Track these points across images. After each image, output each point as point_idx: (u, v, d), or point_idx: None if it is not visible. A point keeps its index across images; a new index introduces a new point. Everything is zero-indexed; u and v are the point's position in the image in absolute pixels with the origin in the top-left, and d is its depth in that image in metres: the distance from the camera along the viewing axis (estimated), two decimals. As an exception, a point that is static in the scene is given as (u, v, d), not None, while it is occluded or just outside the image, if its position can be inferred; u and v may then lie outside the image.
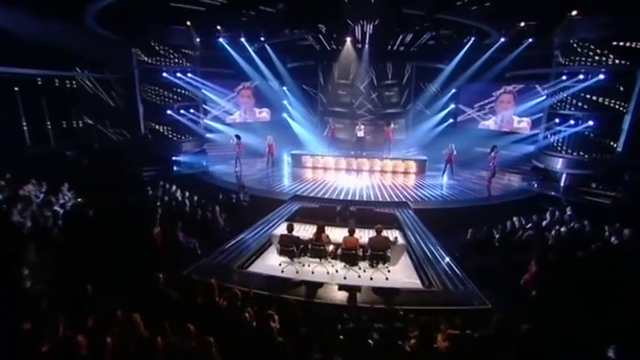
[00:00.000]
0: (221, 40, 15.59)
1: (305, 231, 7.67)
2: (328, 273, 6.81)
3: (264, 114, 18.96)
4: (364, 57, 16.24)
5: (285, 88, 18.25)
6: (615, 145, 12.30)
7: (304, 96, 18.80)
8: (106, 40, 12.84)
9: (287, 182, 13.05)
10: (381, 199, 11.01)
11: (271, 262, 7.25)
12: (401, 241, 7.11)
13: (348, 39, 15.44)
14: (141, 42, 14.04)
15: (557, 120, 13.26)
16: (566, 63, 12.63)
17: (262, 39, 15.51)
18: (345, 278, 6.65)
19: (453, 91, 17.21)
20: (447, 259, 7.32)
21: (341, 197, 11.11)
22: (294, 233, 6.86)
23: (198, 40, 15.43)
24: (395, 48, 16.08)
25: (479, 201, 11.10)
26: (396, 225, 8.94)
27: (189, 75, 15.24)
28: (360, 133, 15.27)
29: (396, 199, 10.89)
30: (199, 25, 14.01)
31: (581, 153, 12.63)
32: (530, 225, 8.32)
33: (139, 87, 14.52)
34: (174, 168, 14.66)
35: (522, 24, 12.45)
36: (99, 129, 15.08)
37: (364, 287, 6.21)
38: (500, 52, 14.84)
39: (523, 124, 15.81)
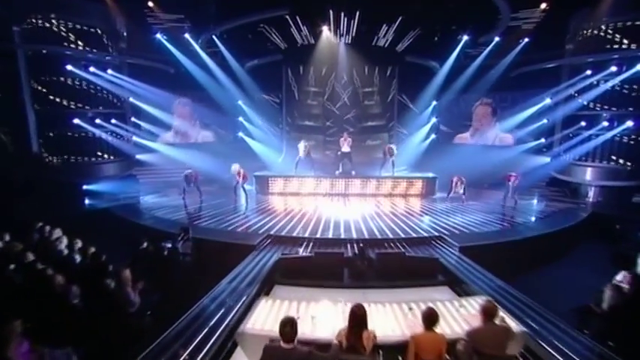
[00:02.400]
0: (159, 36, 12.02)
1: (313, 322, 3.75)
2: None
3: (207, 135, 14.91)
4: (342, 53, 13.21)
5: (240, 102, 14.45)
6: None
7: (266, 107, 15.08)
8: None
9: (252, 216, 8.99)
10: (402, 233, 7.16)
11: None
12: (514, 326, 3.43)
13: (325, 28, 12.26)
14: (28, 16, 9.76)
15: (583, 123, 11.03)
16: (592, 52, 10.53)
17: (211, 24, 11.94)
18: None
19: (434, 103, 15.23)
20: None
21: (341, 235, 7.18)
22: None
23: (125, 33, 11.62)
24: (381, 44, 13.21)
25: (533, 230, 7.70)
26: (443, 278, 5.36)
27: (109, 72, 11.09)
28: (346, 147, 11.72)
29: (425, 234, 7.20)
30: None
31: (621, 160, 10.34)
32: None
33: (26, 82, 10.00)
34: (86, 201, 10.26)
35: (543, 5, 10.19)
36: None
37: None
38: (493, 57, 13.11)
39: (506, 139, 13.84)
